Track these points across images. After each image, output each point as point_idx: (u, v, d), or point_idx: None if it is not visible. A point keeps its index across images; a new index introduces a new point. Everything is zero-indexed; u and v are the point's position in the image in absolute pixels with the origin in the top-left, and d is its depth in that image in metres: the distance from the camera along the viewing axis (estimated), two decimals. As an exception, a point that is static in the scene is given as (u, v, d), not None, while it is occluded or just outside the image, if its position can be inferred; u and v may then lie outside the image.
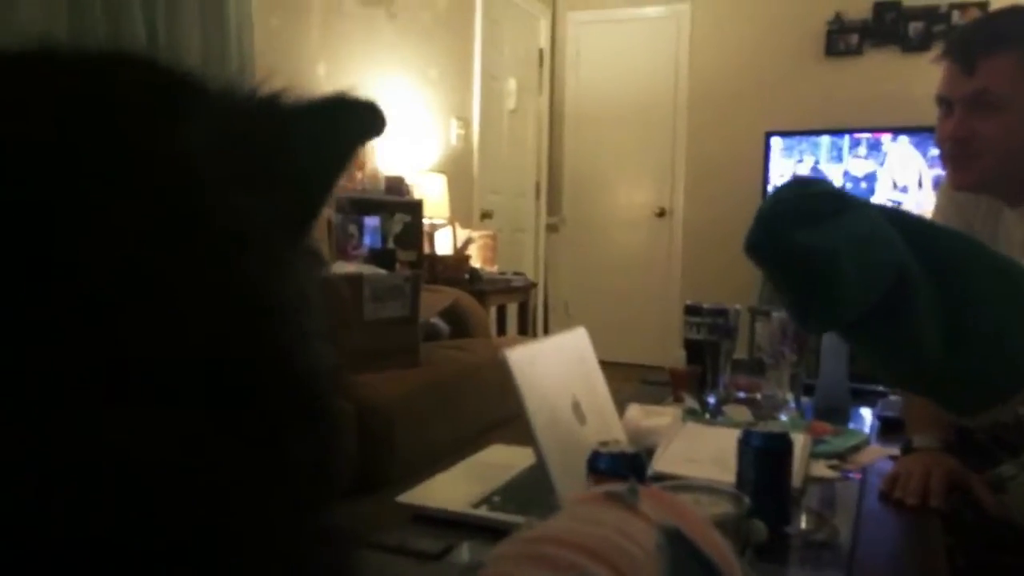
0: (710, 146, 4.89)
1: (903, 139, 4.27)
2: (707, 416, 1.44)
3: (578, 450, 0.99)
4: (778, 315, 1.45)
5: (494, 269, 3.98)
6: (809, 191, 0.58)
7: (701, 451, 1.18)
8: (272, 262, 0.25)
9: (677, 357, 1.63)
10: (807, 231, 0.55)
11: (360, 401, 1.74)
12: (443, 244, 3.90)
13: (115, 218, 0.22)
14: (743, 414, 1.41)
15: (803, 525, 1.00)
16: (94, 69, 0.25)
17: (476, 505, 1.07)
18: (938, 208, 1.39)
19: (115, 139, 0.23)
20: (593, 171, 5.23)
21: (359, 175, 3.37)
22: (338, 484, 0.27)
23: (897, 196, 4.30)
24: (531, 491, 1.09)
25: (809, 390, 1.53)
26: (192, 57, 0.29)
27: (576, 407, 1.13)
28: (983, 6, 4.28)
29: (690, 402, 1.49)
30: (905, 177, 4.30)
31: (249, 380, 0.23)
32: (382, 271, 2.54)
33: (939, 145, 1.25)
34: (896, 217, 0.59)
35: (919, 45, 4.41)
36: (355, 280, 2.03)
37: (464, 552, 0.95)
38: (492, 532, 0.97)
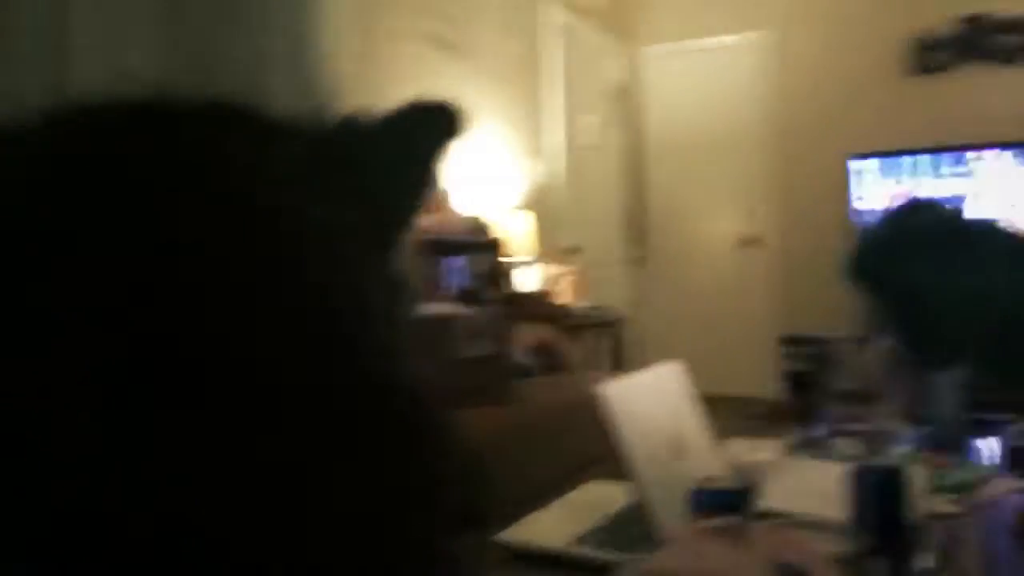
0: (798, 171, 4.78)
1: (1002, 155, 4.07)
2: (814, 450, 1.38)
3: (678, 486, 0.96)
4: (882, 343, 1.38)
5: (583, 304, 3.97)
6: (926, 223, 0.54)
7: (809, 486, 1.13)
8: (349, 269, 0.25)
9: (774, 388, 1.57)
10: (926, 267, 0.52)
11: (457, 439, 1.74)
12: (530, 281, 3.91)
13: (202, 231, 0.23)
14: (853, 447, 1.34)
15: (927, 564, 0.94)
16: (195, 116, 0.26)
17: (576, 543, 1.05)
18: None
19: (211, 177, 0.24)
20: (678, 202, 5.18)
21: (436, 216, 3.43)
22: (450, 507, 0.27)
23: (995, 213, 4.09)
24: (632, 528, 1.06)
25: (922, 421, 1.45)
26: (284, 100, 0.31)
27: (675, 442, 1.11)
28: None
29: (795, 435, 1.43)
30: (1004, 193, 4.09)
31: (318, 381, 0.23)
32: (471, 310, 2.57)
33: None
34: (1011, 239, 0.55)
35: (1010, 59, 4.21)
36: (444, 319, 2.06)
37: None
38: (593, 570, 0.95)
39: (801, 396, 1.52)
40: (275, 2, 2.57)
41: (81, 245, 0.21)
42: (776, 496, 1.10)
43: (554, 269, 3.99)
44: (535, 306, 3.51)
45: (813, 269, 4.51)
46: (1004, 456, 1.34)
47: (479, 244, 3.54)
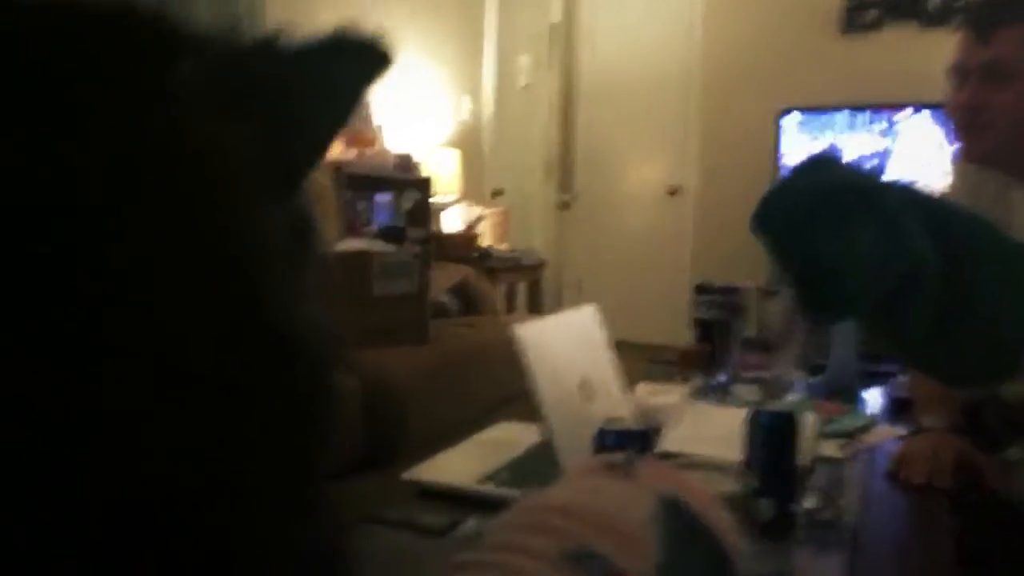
0: (724, 123, 4.84)
1: (923, 114, 4.21)
2: (715, 395, 1.44)
3: (585, 427, 0.99)
4: (788, 294, 1.44)
5: (505, 247, 3.98)
6: (830, 183, 0.55)
7: (709, 430, 1.18)
8: (252, 196, 0.24)
9: (688, 336, 1.62)
10: (826, 232, 0.52)
11: (368, 378, 1.74)
12: (453, 222, 3.89)
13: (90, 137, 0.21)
14: (752, 393, 1.40)
15: (810, 504, 1.00)
16: (97, 16, 0.24)
17: (482, 481, 1.08)
18: (954, 184, 1.38)
19: (100, 74, 0.23)
20: (606, 148, 5.20)
21: (368, 151, 3.36)
22: (327, 456, 0.27)
23: (915, 172, 4.26)
24: (538, 468, 1.09)
25: (818, 370, 1.52)
26: (201, 15, 0.29)
27: (584, 385, 1.13)
28: (1004, -19, 4.20)
29: (698, 381, 1.48)
30: (923, 153, 4.25)
31: (212, 314, 0.22)
32: (391, 247, 2.55)
33: (951, 115, 1.24)
34: (915, 200, 0.57)
35: (939, 20, 4.34)
36: (363, 256, 2.03)
37: (470, 528, 0.96)
38: (498, 508, 0.97)
39: (709, 343, 1.58)
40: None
41: None
42: (677, 439, 1.15)
43: (477, 210, 3.97)
44: (457, 247, 3.50)
45: (733, 220, 4.62)
46: (887, 406, 1.43)
47: (407, 181, 3.49)
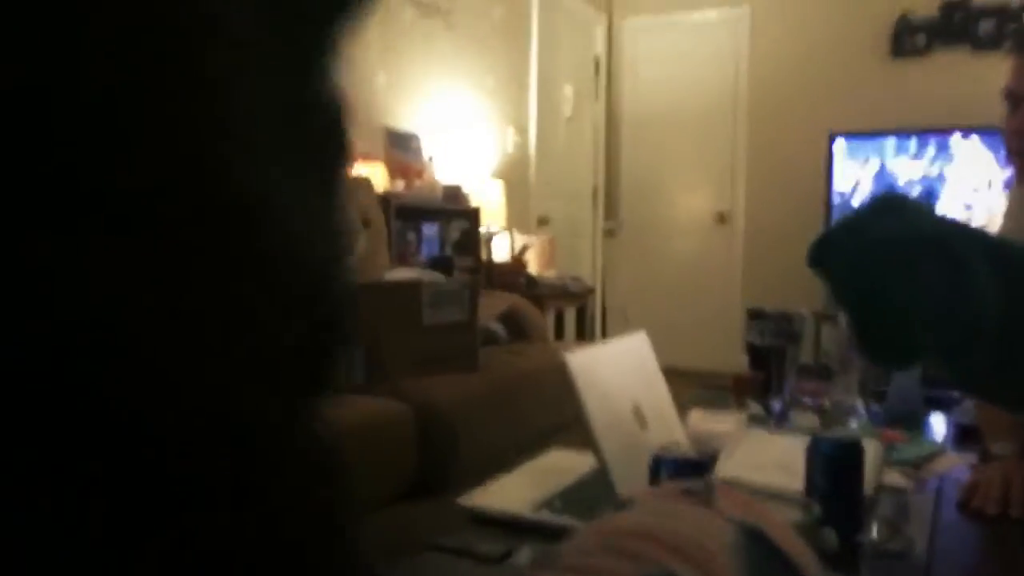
0: (772, 149, 4.81)
1: (973, 139, 4.12)
2: (772, 422, 1.41)
3: (639, 455, 0.98)
4: (845, 319, 1.41)
5: (551, 274, 3.98)
6: (899, 231, 0.53)
7: (766, 458, 1.16)
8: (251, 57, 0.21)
9: (740, 362, 1.60)
10: (894, 283, 0.51)
11: (420, 404, 1.75)
12: (501, 250, 3.91)
13: None
14: (810, 420, 1.37)
15: (875, 535, 0.97)
16: None
17: (537, 508, 1.07)
18: (1008, 210, 1.35)
19: None
20: (651, 176, 5.19)
21: (417, 182, 3.41)
22: (330, 372, 0.23)
23: (967, 197, 4.16)
24: (592, 495, 1.08)
25: (879, 396, 1.48)
26: None
27: (637, 411, 1.12)
28: (1058, 1, 4.12)
29: (754, 408, 1.46)
30: (973, 178, 4.15)
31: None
32: (441, 277, 2.57)
33: (1005, 140, 1.21)
34: (975, 235, 0.55)
35: (989, 44, 4.26)
36: (414, 286, 2.05)
37: (525, 555, 0.95)
38: (552, 536, 0.96)
39: (763, 370, 1.55)
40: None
41: None
42: (734, 466, 1.12)
43: (524, 238, 3.99)
44: (505, 275, 3.51)
45: (783, 246, 4.56)
46: (952, 433, 1.38)
47: (455, 211, 3.53)
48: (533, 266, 3.86)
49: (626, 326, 4.86)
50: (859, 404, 1.40)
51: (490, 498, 1.11)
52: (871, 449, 1.06)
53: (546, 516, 1.04)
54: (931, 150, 4.26)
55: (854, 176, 4.39)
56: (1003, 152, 1.25)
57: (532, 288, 3.52)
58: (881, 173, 4.35)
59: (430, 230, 3.48)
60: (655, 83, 5.13)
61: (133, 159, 0.19)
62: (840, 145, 4.43)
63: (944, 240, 0.52)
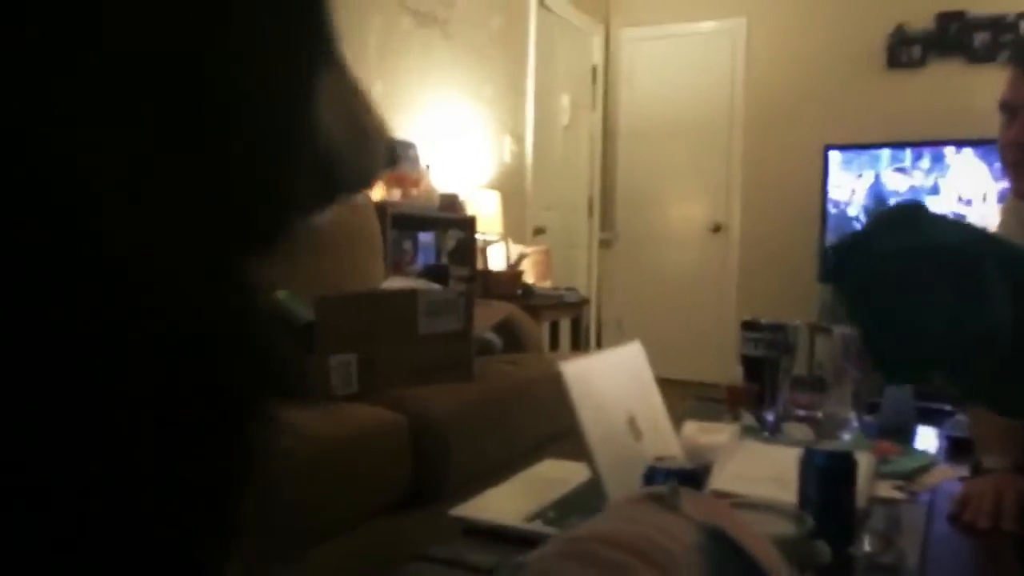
0: (767, 160, 4.82)
1: (967, 151, 4.14)
2: (765, 434, 1.41)
3: (633, 465, 0.98)
4: (840, 331, 1.41)
5: (547, 284, 3.98)
6: (911, 246, 0.52)
7: (759, 469, 1.16)
8: None
9: (734, 374, 1.60)
10: (907, 298, 0.50)
11: (414, 414, 1.75)
12: (496, 260, 3.91)
13: None
14: (803, 432, 1.37)
15: (868, 547, 0.97)
16: None
17: (530, 519, 1.07)
18: (1003, 223, 1.35)
19: None
20: (647, 186, 5.20)
21: (414, 191, 3.41)
22: (273, 230, 0.25)
23: (961, 209, 4.17)
24: (585, 506, 1.08)
25: (872, 408, 1.48)
26: None
27: (631, 422, 1.12)
28: (1053, 14, 4.15)
29: (748, 419, 1.46)
30: (969, 190, 4.17)
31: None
32: (436, 286, 2.56)
33: (1001, 152, 1.21)
34: (987, 240, 0.54)
35: (985, 56, 4.28)
36: (409, 295, 2.05)
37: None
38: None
39: (757, 381, 1.55)
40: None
41: None
42: (727, 478, 1.12)
43: (520, 248, 3.99)
44: (501, 284, 3.51)
45: (778, 257, 4.57)
46: (945, 446, 1.38)
47: (451, 220, 3.53)
48: (529, 276, 3.86)
49: (621, 337, 4.86)
50: (852, 416, 1.40)
51: (483, 509, 1.11)
52: (864, 461, 1.07)
53: (539, 527, 1.04)
54: (926, 162, 4.28)
55: (849, 187, 4.41)
56: (998, 164, 1.25)
57: (528, 298, 3.52)
58: (876, 185, 4.36)
59: (426, 239, 3.48)
60: (652, 94, 5.15)
61: None
62: (835, 156, 4.45)
63: (956, 252, 0.51)
